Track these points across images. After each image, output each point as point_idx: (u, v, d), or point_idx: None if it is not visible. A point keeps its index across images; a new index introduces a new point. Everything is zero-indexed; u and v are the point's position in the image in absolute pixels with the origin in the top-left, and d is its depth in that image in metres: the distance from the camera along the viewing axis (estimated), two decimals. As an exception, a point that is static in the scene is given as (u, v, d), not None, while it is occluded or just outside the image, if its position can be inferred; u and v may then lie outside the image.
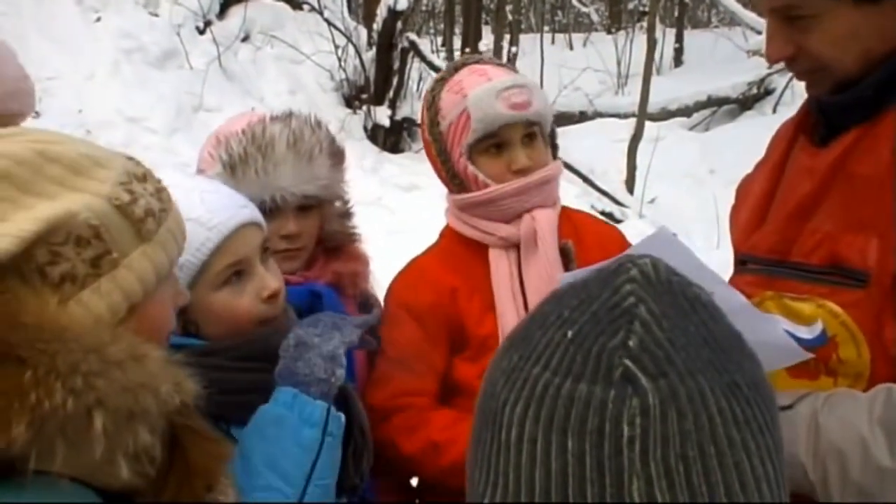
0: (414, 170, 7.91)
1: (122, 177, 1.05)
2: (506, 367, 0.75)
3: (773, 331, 1.20)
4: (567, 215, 2.02)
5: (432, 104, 1.95)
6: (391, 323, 1.93)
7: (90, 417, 0.91)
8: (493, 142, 1.89)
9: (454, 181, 1.95)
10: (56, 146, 1.01)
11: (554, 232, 1.90)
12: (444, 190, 2.03)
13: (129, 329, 1.01)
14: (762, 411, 0.73)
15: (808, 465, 1.15)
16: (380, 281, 2.12)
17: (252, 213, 1.57)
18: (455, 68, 1.98)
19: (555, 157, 2.02)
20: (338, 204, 2.00)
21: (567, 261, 1.89)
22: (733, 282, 1.28)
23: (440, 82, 1.96)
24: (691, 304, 0.74)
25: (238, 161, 1.81)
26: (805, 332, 1.23)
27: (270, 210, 1.80)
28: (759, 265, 1.34)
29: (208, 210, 1.51)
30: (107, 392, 0.93)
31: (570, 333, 0.73)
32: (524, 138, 1.90)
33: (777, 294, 1.27)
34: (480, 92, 1.87)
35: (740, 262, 1.41)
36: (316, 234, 1.95)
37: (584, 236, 1.98)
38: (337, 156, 1.94)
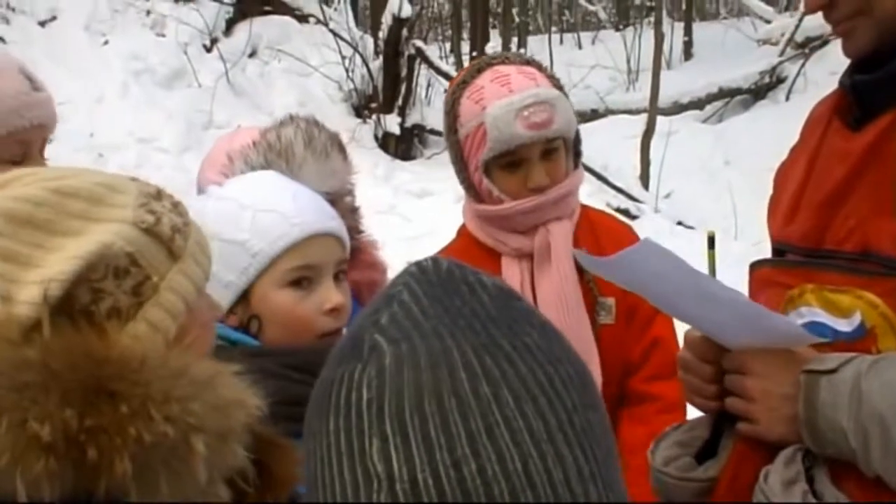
0: (427, 176, 7.88)
1: (139, 198, 1.02)
2: None
3: (780, 326, 1.18)
4: (585, 215, 1.98)
5: (451, 109, 1.90)
6: None
7: (188, 443, 0.88)
8: (510, 159, 1.85)
9: (469, 191, 1.92)
10: (69, 180, 0.99)
11: (568, 245, 1.86)
12: (457, 194, 2.00)
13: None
14: (537, 372, 0.70)
15: (850, 430, 1.10)
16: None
17: (339, 227, 1.56)
18: (479, 69, 1.91)
19: (577, 165, 1.96)
20: (347, 199, 1.99)
21: (581, 269, 1.83)
22: (771, 274, 1.25)
23: (461, 86, 1.90)
24: (470, 288, 0.73)
25: None
26: (844, 325, 1.18)
27: None
28: (796, 255, 1.30)
29: (297, 208, 1.50)
30: (202, 415, 0.90)
31: None
32: (543, 154, 1.85)
33: (817, 286, 1.22)
34: (499, 109, 1.81)
35: (778, 253, 1.36)
36: None
37: (600, 236, 1.94)
38: (343, 150, 1.93)
